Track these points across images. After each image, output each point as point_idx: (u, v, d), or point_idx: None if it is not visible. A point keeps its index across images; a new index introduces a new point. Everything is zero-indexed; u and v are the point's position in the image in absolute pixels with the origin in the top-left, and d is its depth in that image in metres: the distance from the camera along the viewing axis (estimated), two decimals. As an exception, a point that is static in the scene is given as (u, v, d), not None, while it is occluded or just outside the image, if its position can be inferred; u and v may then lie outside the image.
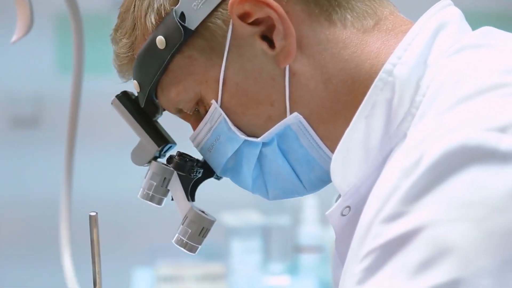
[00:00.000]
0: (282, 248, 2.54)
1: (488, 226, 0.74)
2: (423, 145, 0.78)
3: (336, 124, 0.92)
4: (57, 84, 3.01)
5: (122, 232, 2.98)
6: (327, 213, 0.92)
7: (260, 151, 0.95)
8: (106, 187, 3.04)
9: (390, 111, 0.87)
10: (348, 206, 0.90)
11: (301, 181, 0.97)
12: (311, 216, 2.56)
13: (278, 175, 0.97)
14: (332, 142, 0.92)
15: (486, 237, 0.74)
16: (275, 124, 0.93)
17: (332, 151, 0.91)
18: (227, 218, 2.46)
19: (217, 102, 0.94)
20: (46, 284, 2.79)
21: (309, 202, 2.56)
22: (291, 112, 0.93)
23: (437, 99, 0.84)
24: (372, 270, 0.77)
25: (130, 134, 1.02)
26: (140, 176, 1.02)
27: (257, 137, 0.95)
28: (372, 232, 0.79)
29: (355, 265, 0.80)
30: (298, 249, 2.56)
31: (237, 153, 0.97)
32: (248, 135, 0.95)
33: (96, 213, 0.94)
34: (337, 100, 0.92)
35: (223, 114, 0.94)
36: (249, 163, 0.97)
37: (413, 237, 0.74)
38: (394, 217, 0.77)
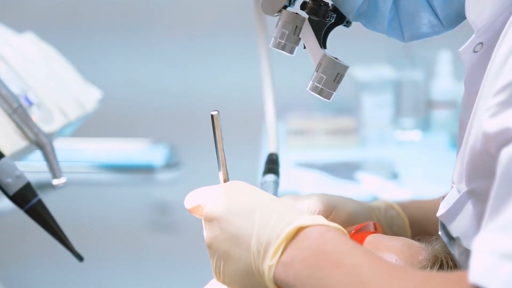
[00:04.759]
0: (414, 103, 2.52)
1: None
2: None
3: None
4: None
5: (253, 90, 3.00)
6: (460, 49, 0.90)
7: None
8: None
9: None
10: (481, 43, 0.88)
11: (438, 18, 0.95)
12: (444, 70, 2.51)
13: (414, 14, 0.95)
14: None
15: None
16: None
17: None
18: (358, 72, 2.44)
19: None
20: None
21: (443, 56, 2.51)
22: None
23: None
24: (508, 103, 0.75)
25: None
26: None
27: None
28: (509, 64, 0.77)
29: (489, 98, 0.78)
30: (430, 104, 2.53)
31: None
32: None
33: (218, 111, 0.94)
34: None
35: None
36: (385, 4, 0.95)
37: None
38: None
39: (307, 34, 1.00)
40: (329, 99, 1.01)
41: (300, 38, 1.01)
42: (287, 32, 1.01)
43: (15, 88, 1.37)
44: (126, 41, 2.84)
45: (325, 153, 2.35)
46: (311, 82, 1.01)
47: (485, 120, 0.77)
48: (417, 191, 2.04)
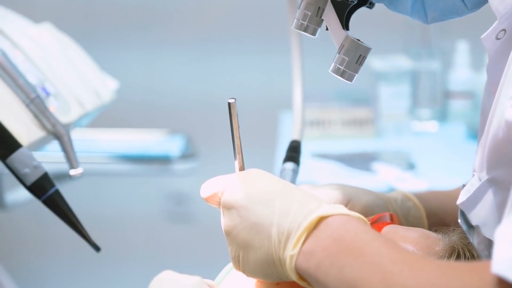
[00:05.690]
0: (431, 93, 2.51)
1: None
2: None
3: None
4: None
5: (269, 75, 3.00)
6: (482, 36, 0.90)
7: None
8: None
9: None
10: (504, 30, 0.87)
11: None
12: (462, 60, 2.49)
13: None
14: None
15: None
16: None
17: None
18: (375, 63, 2.43)
19: None
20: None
21: (460, 46, 2.50)
22: None
23: None
24: None
25: None
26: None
27: None
28: None
29: (510, 88, 0.77)
30: (447, 95, 2.51)
31: None
32: None
33: (235, 99, 0.94)
34: None
35: None
36: None
37: None
38: None
39: (330, 16, 1.00)
40: (351, 81, 1.00)
41: (322, 20, 1.01)
42: (309, 13, 1.00)
43: (32, 78, 1.37)
44: (144, 33, 2.84)
45: (341, 144, 2.34)
46: (333, 64, 1.00)
47: (508, 109, 0.76)
48: (433, 182, 2.04)
